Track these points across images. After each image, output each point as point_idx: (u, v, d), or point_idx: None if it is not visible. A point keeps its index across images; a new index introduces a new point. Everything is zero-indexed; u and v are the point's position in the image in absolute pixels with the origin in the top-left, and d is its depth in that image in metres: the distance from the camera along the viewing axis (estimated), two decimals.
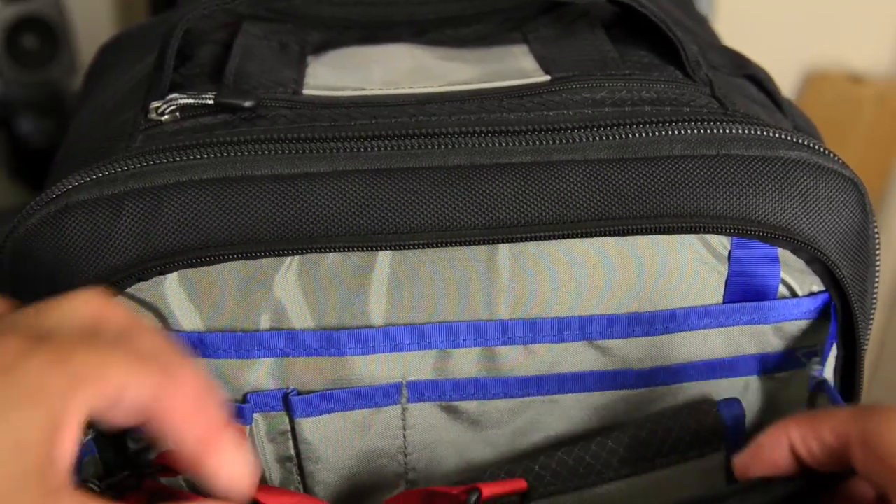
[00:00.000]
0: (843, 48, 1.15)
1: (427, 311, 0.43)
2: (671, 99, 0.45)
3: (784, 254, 0.43)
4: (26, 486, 0.26)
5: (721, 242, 0.43)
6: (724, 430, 0.43)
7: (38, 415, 0.26)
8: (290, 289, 0.41)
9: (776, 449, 0.35)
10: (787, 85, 1.02)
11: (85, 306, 0.30)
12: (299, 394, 0.43)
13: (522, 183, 0.41)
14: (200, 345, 0.42)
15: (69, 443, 0.27)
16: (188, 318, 0.42)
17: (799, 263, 0.44)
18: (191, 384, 0.30)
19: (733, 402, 0.44)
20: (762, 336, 0.45)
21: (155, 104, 0.45)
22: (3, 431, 0.26)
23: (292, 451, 0.45)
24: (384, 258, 0.42)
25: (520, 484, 0.39)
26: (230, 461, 0.30)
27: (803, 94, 1.15)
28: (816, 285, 0.45)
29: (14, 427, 0.26)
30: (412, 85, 0.47)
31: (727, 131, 0.43)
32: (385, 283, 0.42)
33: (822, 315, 0.45)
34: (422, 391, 0.44)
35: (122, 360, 0.28)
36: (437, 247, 0.41)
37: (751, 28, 1.06)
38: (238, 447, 0.30)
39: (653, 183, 0.42)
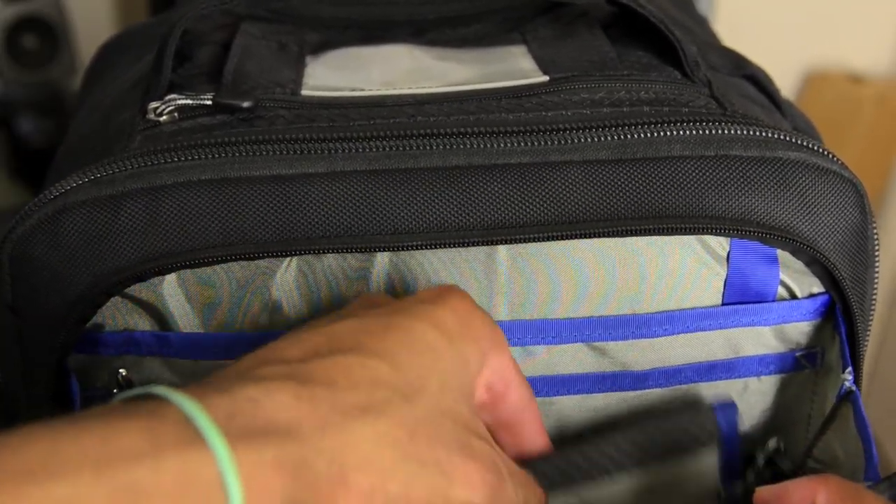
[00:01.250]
0: (843, 48, 1.15)
1: None
2: (670, 99, 0.45)
3: (784, 255, 0.43)
4: (463, 398, 0.33)
5: (720, 243, 0.43)
6: (719, 434, 0.42)
7: (476, 349, 0.34)
8: (288, 289, 0.41)
9: (800, 502, 0.36)
10: (787, 85, 1.02)
11: None
12: None
13: (521, 184, 0.41)
14: (198, 345, 0.42)
15: (479, 391, 0.34)
16: (186, 319, 0.42)
17: (798, 265, 0.44)
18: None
19: (729, 406, 0.44)
20: (761, 338, 0.45)
21: (153, 105, 0.45)
22: (457, 353, 0.33)
23: None
24: (382, 259, 0.41)
25: None
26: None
27: (803, 94, 1.15)
28: (816, 287, 0.44)
29: (463, 352, 0.34)
30: (411, 85, 0.47)
31: (726, 132, 0.42)
32: (383, 284, 0.42)
33: (822, 317, 0.45)
34: None
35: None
36: (435, 248, 0.41)
37: (751, 28, 1.06)
38: None
39: (651, 184, 0.42)
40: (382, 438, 0.28)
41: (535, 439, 0.38)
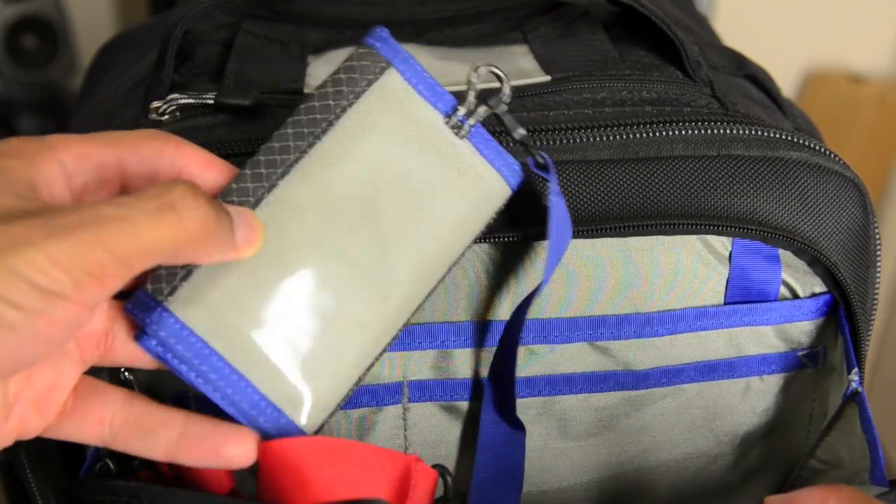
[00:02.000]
0: (843, 48, 1.15)
1: (428, 310, 0.43)
2: (672, 99, 0.45)
3: (785, 255, 0.43)
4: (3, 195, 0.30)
5: (722, 243, 0.43)
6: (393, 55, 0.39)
7: (16, 161, 0.31)
8: None
9: None
10: (787, 85, 1.02)
11: None
12: None
13: None
14: None
15: (51, 181, 0.31)
16: None
17: (800, 264, 0.44)
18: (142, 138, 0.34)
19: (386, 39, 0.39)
20: (763, 337, 0.45)
21: (155, 104, 0.44)
22: None
23: None
24: None
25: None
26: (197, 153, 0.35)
27: (803, 94, 1.15)
28: (818, 286, 0.44)
29: None
30: None
31: (728, 132, 0.42)
32: None
33: (825, 316, 0.45)
34: (422, 391, 0.44)
35: (79, 139, 0.33)
36: None
37: (751, 28, 1.06)
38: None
39: (653, 183, 0.42)
40: None
41: (206, 174, 0.35)
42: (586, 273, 0.43)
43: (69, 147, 0.33)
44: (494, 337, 0.43)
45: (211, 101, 0.44)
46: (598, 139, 0.42)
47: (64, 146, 0.33)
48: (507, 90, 0.39)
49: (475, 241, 0.39)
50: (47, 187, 0.32)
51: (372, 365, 0.37)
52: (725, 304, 0.44)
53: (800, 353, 0.46)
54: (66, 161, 0.32)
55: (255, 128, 0.43)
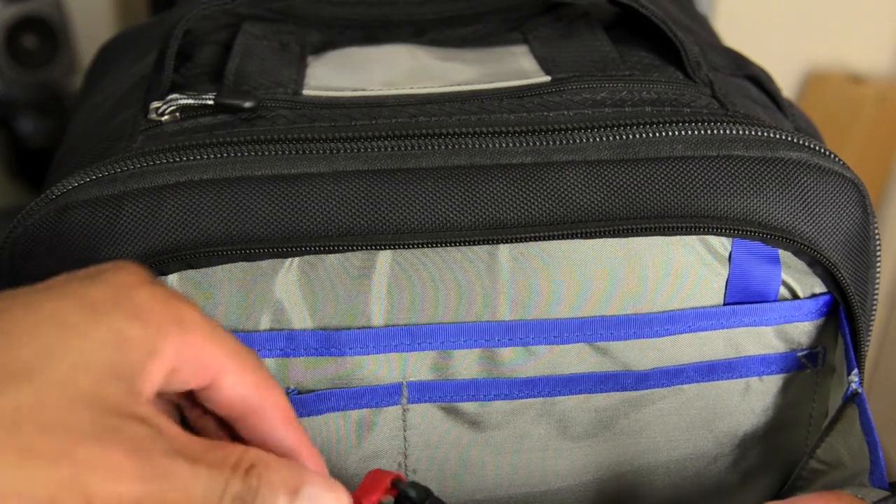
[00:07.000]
0: (843, 48, 1.15)
1: (427, 311, 0.43)
2: (671, 99, 0.45)
3: (785, 255, 0.43)
4: (115, 379, 0.27)
5: (721, 243, 0.43)
6: None
7: (140, 326, 0.28)
8: (290, 289, 0.41)
9: None
10: (787, 85, 1.02)
11: None
12: (299, 393, 0.43)
13: (523, 184, 0.41)
14: None
15: (155, 375, 0.28)
16: None
17: (800, 265, 0.44)
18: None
19: None
20: (763, 338, 0.45)
21: (155, 104, 0.45)
22: (106, 329, 0.28)
23: None
24: (384, 258, 0.41)
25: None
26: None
27: (803, 94, 1.15)
28: (818, 287, 0.44)
29: (116, 328, 0.28)
30: (412, 85, 0.47)
31: (728, 132, 0.42)
32: (385, 284, 0.42)
33: (824, 316, 0.45)
34: (422, 392, 0.44)
35: (213, 338, 0.30)
36: (438, 247, 0.41)
37: (751, 28, 1.06)
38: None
39: (653, 183, 0.42)
40: None
41: (277, 435, 0.33)
42: (585, 273, 0.43)
43: (195, 341, 0.30)
44: (494, 337, 0.43)
45: (211, 102, 0.44)
46: (597, 139, 0.42)
47: (200, 339, 0.30)
48: None
49: (474, 243, 0.39)
50: (143, 373, 0.28)
51: None
52: (725, 304, 0.44)
53: (799, 354, 0.46)
54: (174, 354, 0.29)
55: (255, 129, 0.43)
